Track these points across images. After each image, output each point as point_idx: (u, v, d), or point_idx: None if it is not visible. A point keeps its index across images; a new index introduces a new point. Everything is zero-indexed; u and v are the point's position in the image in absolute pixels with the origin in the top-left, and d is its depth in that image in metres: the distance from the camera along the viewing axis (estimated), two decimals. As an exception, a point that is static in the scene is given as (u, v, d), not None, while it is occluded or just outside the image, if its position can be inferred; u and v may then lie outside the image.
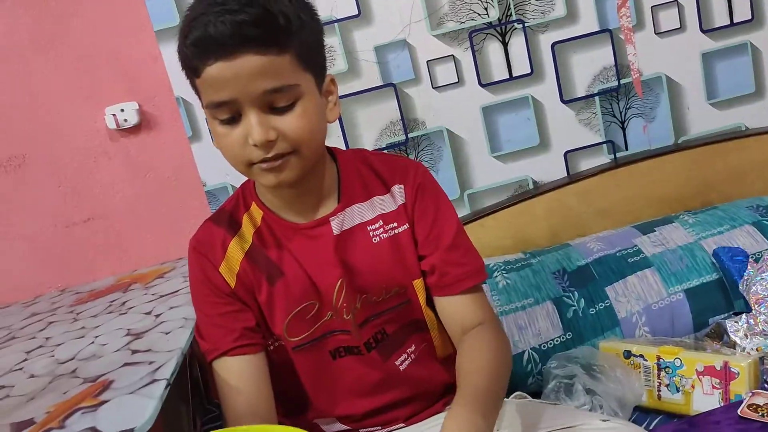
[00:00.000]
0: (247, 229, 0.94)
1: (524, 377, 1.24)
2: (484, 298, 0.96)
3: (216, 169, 1.54)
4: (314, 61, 0.84)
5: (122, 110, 1.49)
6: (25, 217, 1.54)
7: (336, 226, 0.92)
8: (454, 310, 0.94)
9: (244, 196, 0.96)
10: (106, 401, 0.85)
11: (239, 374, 0.90)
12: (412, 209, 0.95)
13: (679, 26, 1.55)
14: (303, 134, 0.81)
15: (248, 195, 0.95)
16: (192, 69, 0.80)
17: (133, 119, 1.49)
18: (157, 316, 1.17)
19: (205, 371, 1.55)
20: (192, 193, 1.56)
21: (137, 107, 1.49)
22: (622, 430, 0.87)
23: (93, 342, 1.11)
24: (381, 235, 0.93)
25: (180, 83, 1.49)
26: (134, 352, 1.01)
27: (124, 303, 1.30)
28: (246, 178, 0.93)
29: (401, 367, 0.97)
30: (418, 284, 0.95)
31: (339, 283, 0.91)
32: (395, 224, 0.94)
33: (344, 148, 1.03)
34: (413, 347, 0.98)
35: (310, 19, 0.83)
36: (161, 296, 1.28)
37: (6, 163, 1.51)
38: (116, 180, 1.54)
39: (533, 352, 1.24)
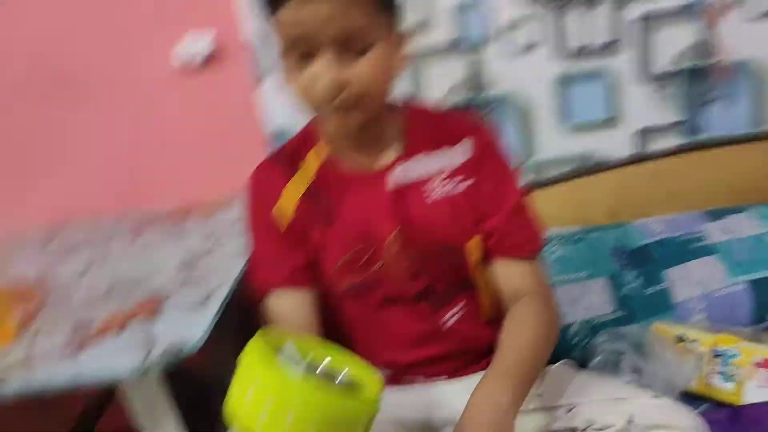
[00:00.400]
0: (308, 169, 0.94)
1: (570, 349, 1.22)
2: (541, 269, 0.94)
3: (281, 112, 1.54)
4: (391, 10, 0.84)
5: (194, 42, 1.50)
6: (93, 137, 1.57)
7: (396, 176, 0.92)
8: (508, 275, 0.93)
9: (309, 136, 0.96)
10: (161, 315, 0.88)
11: (290, 308, 0.91)
12: (477, 166, 0.93)
13: (774, 9, 1.47)
14: (373, 81, 0.82)
15: (313, 136, 0.95)
16: (270, 4, 0.80)
17: (204, 52, 1.50)
18: (213, 245, 1.19)
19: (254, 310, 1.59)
20: (254, 132, 1.57)
21: (209, 41, 1.50)
22: (672, 408, 0.85)
23: (151, 262, 1.14)
24: (441, 190, 0.92)
25: (255, 21, 1.50)
26: (190, 275, 1.04)
27: (181, 230, 1.33)
28: (312, 118, 0.94)
29: (448, 323, 0.97)
30: (473, 244, 0.94)
31: (394, 233, 0.91)
32: (458, 179, 0.93)
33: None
34: (461, 305, 0.97)
35: None
36: (217, 228, 1.30)
37: (79, 83, 1.54)
38: (183, 111, 1.56)
39: (582, 326, 1.22)
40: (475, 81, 1.51)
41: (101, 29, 1.52)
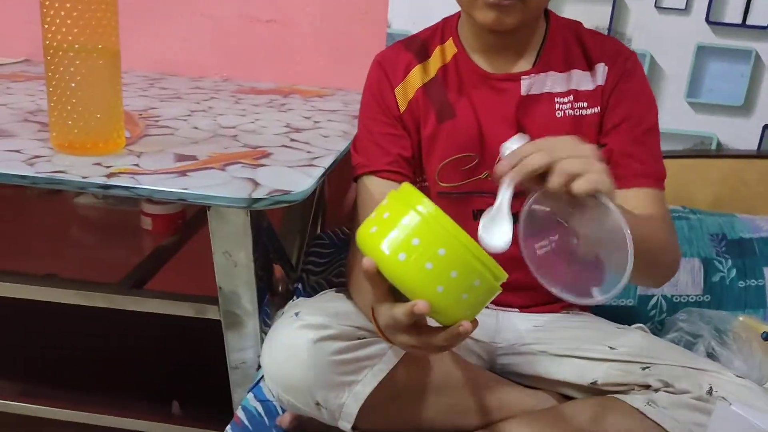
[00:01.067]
0: (435, 62, 0.91)
1: (645, 320, 1.18)
2: (662, 204, 0.88)
3: (406, 14, 1.49)
4: None
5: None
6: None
7: (526, 86, 0.88)
8: (626, 203, 0.85)
9: (443, 29, 0.94)
10: (265, 165, 0.87)
11: (380, 197, 0.90)
12: (609, 94, 0.89)
13: None
14: None
15: (448, 30, 0.93)
16: None
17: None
18: (316, 122, 1.17)
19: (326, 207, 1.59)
20: (375, 30, 1.53)
21: None
22: (756, 392, 0.81)
23: (253, 122, 1.13)
24: (566, 111, 0.89)
25: None
26: (293, 140, 1.03)
27: (283, 104, 1.32)
28: (446, 19, 0.92)
29: (538, 252, 0.93)
30: None
31: None
32: (585, 104, 0.89)
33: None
34: (557, 236, 0.94)
35: None
36: (320, 110, 1.29)
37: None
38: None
39: (663, 300, 1.18)
40: (615, 31, 1.43)
41: None
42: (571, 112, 0.89)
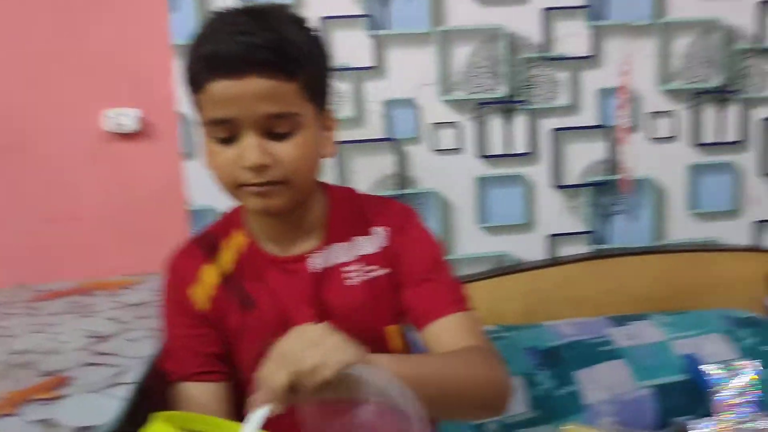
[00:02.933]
0: (227, 255, 0.92)
1: (485, 449, 1.21)
2: (476, 327, 0.90)
3: (204, 191, 1.52)
4: (319, 93, 0.85)
5: (122, 115, 1.47)
6: (5, 205, 1.48)
7: (315, 263, 0.91)
8: (437, 338, 0.88)
9: (231, 221, 0.95)
10: (64, 396, 0.81)
11: (198, 401, 0.87)
12: (394, 253, 0.93)
13: (672, 135, 1.62)
14: (297, 164, 0.82)
15: (235, 221, 0.94)
16: (196, 83, 0.80)
17: (131, 126, 1.48)
18: (123, 323, 1.12)
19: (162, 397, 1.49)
20: (175, 211, 1.53)
21: (138, 115, 1.48)
22: None
23: (52, 339, 1.06)
24: (358, 278, 0.91)
25: (185, 99, 1.49)
26: (98, 353, 0.97)
27: (86, 306, 1.25)
28: (237, 204, 0.92)
29: (362, 417, 0.94)
30: (393, 330, 0.93)
31: (313, 320, 0.89)
32: (375, 267, 0.92)
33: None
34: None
35: (321, 53, 0.85)
36: (128, 305, 1.24)
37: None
38: (102, 184, 1.51)
39: (495, 425, 1.22)
40: (402, 176, 1.56)
41: (34, 99, 1.48)
42: (362, 277, 0.91)
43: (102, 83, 1.48)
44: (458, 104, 1.56)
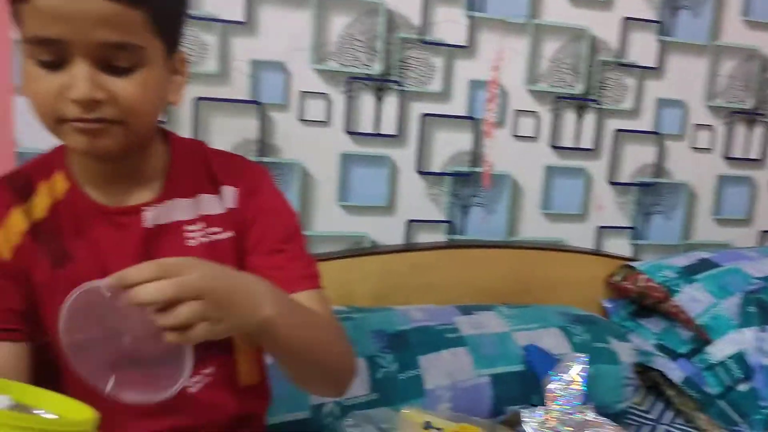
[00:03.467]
0: (42, 200, 0.80)
1: (322, 430, 1.17)
2: (326, 306, 0.87)
3: (37, 131, 1.34)
4: (169, 30, 0.76)
5: (-58, 33, 1.27)
6: None
7: (150, 217, 0.81)
8: None
9: (52, 160, 0.83)
10: None
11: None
12: (241, 216, 0.86)
13: (534, 135, 1.66)
14: (136, 104, 0.72)
15: (56, 162, 0.82)
16: None
17: (-47, 47, 1.28)
18: None
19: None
20: (1, 150, 1.34)
21: (-37, 36, 1.28)
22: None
23: None
24: (199, 239, 0.84)
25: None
26: None
27: None
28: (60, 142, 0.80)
29: (191, 389, 0.86)
30: None
31: None
32: (218, 229, 0.85)
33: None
34: (211, 369, 0.87)
35: None
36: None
37: None
38: None
39: (335, 406, 1.18)
40: (264, 143, 1.47)
41: None
42: (203, 239, 0.84)
43: None
44: (330, 75, 1.50)
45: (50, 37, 0.67)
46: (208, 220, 0.85)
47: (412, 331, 1.33)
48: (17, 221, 0.78)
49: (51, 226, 0.79)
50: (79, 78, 0.68)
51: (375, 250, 1.58)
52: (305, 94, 1.49)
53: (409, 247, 1.61)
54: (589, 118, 1.70)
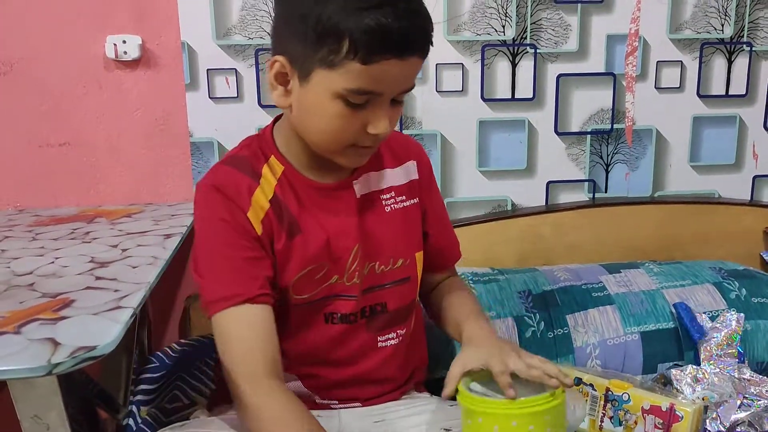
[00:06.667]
0: (268, 181, 0.92)
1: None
2: None
3: (205, 122, 1.51)
4: None
5: (124, 42, 1.45)
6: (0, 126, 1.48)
7: (358, 189, 0.94)
8: (451, 282, 1.08)
9: (261, 147, 0.94)
10: (66, 317, 0.83)
11: (262, 323, 0.86)
12: (420, 186, 1.01)
13: (678, 86, 1.60)
14: (394, 127, 0.87)
15: (266, 147, 0.93)
16: (361, 56, 0.76)
17: (133, 53, 1.46)
18: (124, 250, 1.13)
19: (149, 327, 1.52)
20: (177, 141, 1.53)
21: (140, 42, 1.46)
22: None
23: (53, 262, 1.07)
24: (393, 206, 0.97)
25: (188, 27, 1.47)
26: (98, 278, 0.98)
27: (87, 233, 1.26)
28: (259, 135, 0.95)
29: (384, 344, 0.98)
30: (419, 257, 1.00)
31: (356, 247, 0.92)
32: (404, 197, 0.99)
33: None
34: (404, 330, 1.00)
35: None
36: (129, 233, 1.25)
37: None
38: (103, 111, 1.49)
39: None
40: (404, 116, 1.55)
41: (32, 20, 1.45)
42: (396, 206, 0.97)
43: (104, 8, 1.45)
44: (464, 45, 1.54)
45: (373, 91, 0.79)
46: (397, 189, 0.98)
47: (559, 290, 1.36)
48: (260, 200, 0.90)
49: (280, 203, 0.91)
50: (381, 117, 0.82)
51: (517, 212, 1.62)
52: (442, 66, 1.54)
53: (550, 208, 1.63)
54: (740, 63, 1.61)
